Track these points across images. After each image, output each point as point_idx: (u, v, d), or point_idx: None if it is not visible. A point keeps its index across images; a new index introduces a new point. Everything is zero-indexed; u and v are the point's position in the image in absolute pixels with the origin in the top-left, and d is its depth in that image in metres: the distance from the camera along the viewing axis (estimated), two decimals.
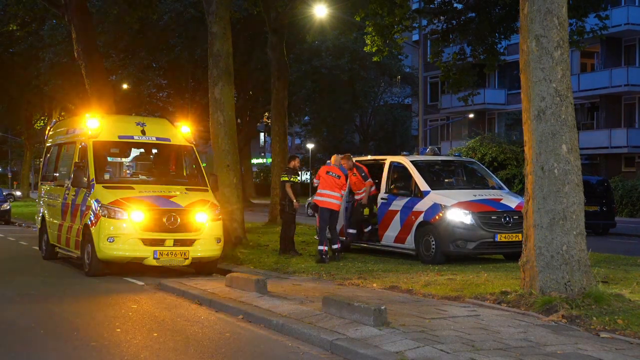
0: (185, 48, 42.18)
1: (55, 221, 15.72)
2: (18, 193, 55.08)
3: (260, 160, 78.09)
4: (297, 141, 73.52)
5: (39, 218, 17.21)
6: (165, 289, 11.89)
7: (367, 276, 12.32)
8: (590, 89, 42.98)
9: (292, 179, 15.94)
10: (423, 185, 14.92)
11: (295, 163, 16.41)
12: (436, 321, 8.26)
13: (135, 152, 15.89)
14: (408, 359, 6.86)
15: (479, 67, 28.48)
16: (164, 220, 13.22)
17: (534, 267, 9.07)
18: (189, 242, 13.41)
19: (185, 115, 43.00)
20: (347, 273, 12.83)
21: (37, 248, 17.48)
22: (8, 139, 69.30)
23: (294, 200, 15.84)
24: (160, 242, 13.20)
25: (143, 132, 14.93)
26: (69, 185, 14.81)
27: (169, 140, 15.23)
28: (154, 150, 15.84)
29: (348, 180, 15.57)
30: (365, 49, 24.46)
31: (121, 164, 15.85)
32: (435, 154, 17.48)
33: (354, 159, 16.86)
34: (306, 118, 61.68)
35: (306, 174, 63.55)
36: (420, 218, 14.60)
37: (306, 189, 51.92)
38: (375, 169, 16.57)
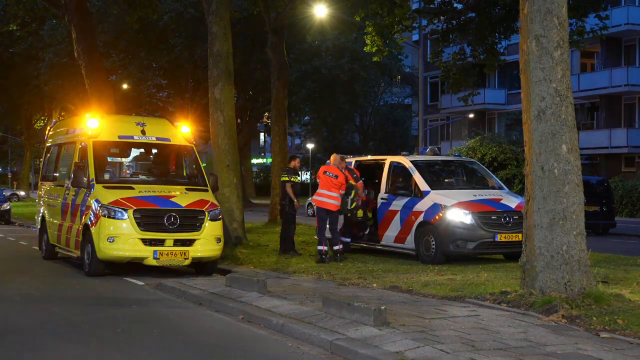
0: (185, 48, 42.17)
1: (55, 221, 15.72)
2: (22, 193, 55.02)
3: (260, 160, 78.10)
4: (297, 141, 73.53)
5: (39, 218, 17.20)
6: (165, 289, 11.89)
7: (367, 276, 12.32)
8: (590, 89, 42.98)
9: (292, 179, 15.96)
10: (423, 185, 14.92)
11: (295, 163, 16.42)
12: (436, 321, 8.26)
13: (135, 152, 15.88)
14: (408, 359, 6.86)
15: (479, 67, 28.46)
16: (164, 220, 13.22)
17: (534, 267, 9.07)
18: (189, 242, 13.41)
19: (185, 115, 43.01)
20: (347, 273, 12.83)
21: (37, 248, 17.48)
22: (8, 139, 69.31)
23: (295, 200, 15.85)
24: (160, 242, 13.20)
25: (143, 132, 14.93)
26: (69, 185, 14.81)
27: (169, 140, 15.23)
28: (154, 150, 15.83)
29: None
30: (365, 49, 24.46)
31: (121, 164, 15.84)
32: (435, 154, 17.48)
33: (354, 159, 16.89)
34: (306, 118, 61.68)
35: (306, 174, 63.56)
36: (420, 218, 14.60)
37: (306, 189, 51.94)
38: (375, 169, 16.57)
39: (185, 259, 13.37)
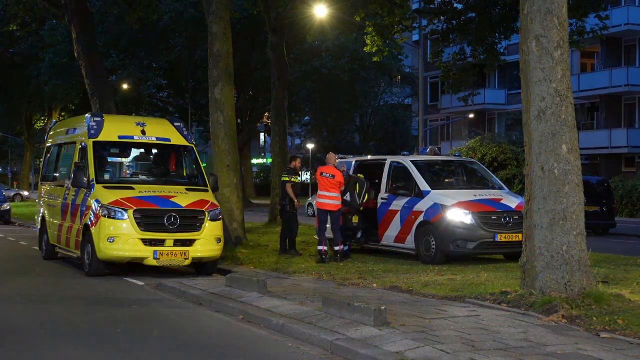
0: (185, 48, 42.21)
1: (55, 221, 15.72)
2: (25, 193, 54.94)
3: (260, 160, 78.07)
4: (297, 141, 73.51)
5: (39, 218, 17.20)
6: (165, 289, 11.89)
7: (367, 276, 12.32)
8: (590, 89, 42.96)
9: (292, 179, 15.98)
10: (423, 185, 14.93)
11: (296, 163, 16.43)
12: (436, 321, 8.26)
13: (135, 152, 15.88)
14: (408, 359, 6.86)
15: (479, 67, 28.47)
16: (164, 220, 13.22)
17: (534, 267, 9.07)
18: (189, 242, 13.40)
19: (185, 115, 43.02)
20: (347, 273, 12.83)
21: (37, 248, 17.48)
22: (8, 139, 69.34)
23: (295, 200, 15.86)
24: (160, 242, 13.19)
25: (143, 132, 14.93)
26: (69, 185, 14.80)
27: (169, 140, 15.23)
28: (154, 150, 15.83)
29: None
30: (365, 49, 24.46)
31: (121, 164, 15.85)
32: (435, 154, 17.48)
33: (354, 159, 16.87)
34: (306, 118, 61.69)
35: (306, 174, 63.56)
36: (421, 218, 14.60)
37: (306, 189, 51.92)
38: (375, 169, 16.57)
39: (185, 259, 13.37)
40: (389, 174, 15.90)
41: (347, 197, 14.98)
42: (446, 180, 16.33)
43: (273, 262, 14.68)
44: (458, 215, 14.15)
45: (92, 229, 13.35)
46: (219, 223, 13.92)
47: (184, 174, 15.54)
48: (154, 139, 15.09)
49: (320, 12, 27.68)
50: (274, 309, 9.35)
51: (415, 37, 46.32)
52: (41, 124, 58.15)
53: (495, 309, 9.01)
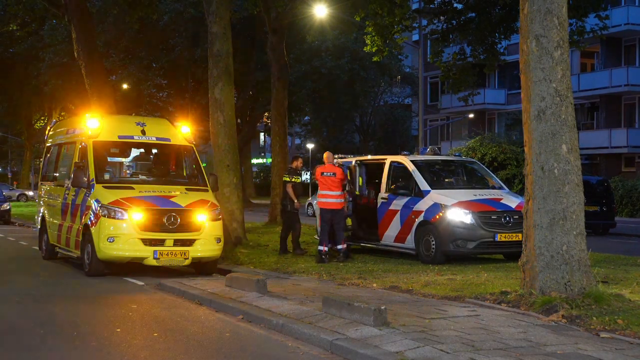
0: (185, 48, 42.17)
1: (55, 221, 15.72)
2: (30, 193, 54.85)
3: (260, 160, 78.08)
4: (297, 141, 73.53)
5: (39, 218, 17.21)
6: (165, 289, 11.89)
7: (367, 276, 12.32)
8: (590, 89, 42.98)
9: (293, 179, 15.99)
10: (423, 184, 14.93)
11: (297, 163, 16.42)
12: (436, 321, 8.26)
13: (135, 152, 15.88)
14: (408, 359, 6.86)
15: (479, 67, 28.47)
16: (164, 220, 13.22)
17: (534, 267, 9.07)
18: (189, 242, 13.41)
19: (185, 115, 42.98)
20: (347, 273, 12.83)
21: (37, 248, 17.48)
22: (8, 139, 69.34)
23: (295, 201, 15.85)
24: (160, 242, 13.20)
25: (143, 132, 14.93)
26: (69, 185, 14.80)
27: (169, 140, 15.23)
28: (154, 150, 15.83)
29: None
30: (365, 49, 24.46)
31: (121, 164, 15.84)
32: (435, 154, 17.48)
33: (354, 159, 16.85)
34: (306, 118, 61.66)
35: (306, 174, 63.56)
36: (421, 217, 14.60)
37: (306, 189, 51.90)
38: (375, 169, 16.58)
39: (185, 259, 13.37)
40: (389, 174, 15.90)
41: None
42: (446, 180, 16.33)
43: (273, 262, 14.68)
44: (458, 215, 14.15)
45: (92, 229, 13.35)
46: (219, 223, 13.92)
47: (184, 174, 15.54)
48: (154, 139, 15.09)
49: (320, 12, 27.70)
50: (274, 309, 9.35)
51: (415, 37, 46.29)
52: (41, 124, 58.15)
53: (495, 309, 9.01)
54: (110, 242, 13.10)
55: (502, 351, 6.97)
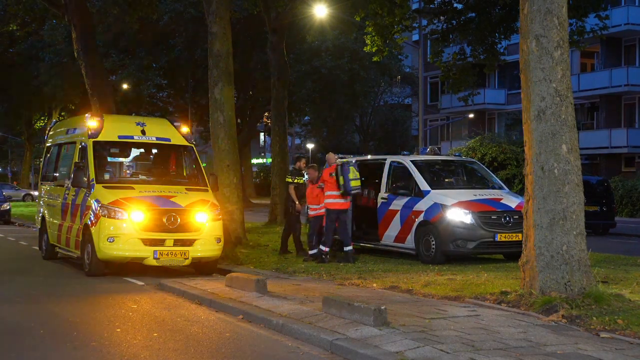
0: (185, 48, 42.18)
1: (55, 221, 15.72)
2: (36, 193, 54.74)
3: (260, 160, 78.05)
4: (297, 141, 73.51)
5: (39, 218, 17.21)
6: (165, 289, 11.89)
7: (367, 276, 12.32)
8: (590, 89, 42.97)
9: (296, 180, 15.97)
10: (423, 184, 14.93)
11: (301, 164, 16.39)
12: (436, 321, 8.26)
13: (135, 152, 15.89)
14: (408, 359, 6.86)
15: (479, 67, 28.48)
16: (164, 220, 13.22)
17: (534, 267, 9.07)
18: (189, 242, 13.41)
19: (185, 115, 43.00)
20: (347, 273, 12.83)
21: (37, 248, 17.48)
22: (8, 139, 69.33)
23: (297, 202, 15.83)
24: (160, 242, 13.20)
25: (143, 132, 14.93)
26: (69, 185, 14.81)
27: (169, 140, 15.23)
28: (154, 150, 15.84)
29: (313, 192, 15.13)
30: (365, 49, 24.46)
31: (121, 164, 15.85)
32: (435, 154, 17.47)
33: (355, 159, 16.83)
34: (306, 118, 61.64)
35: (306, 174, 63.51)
36: (421, 217, 14.60)
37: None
38: (375, 169, 16.57)
39: (185, 259, 13.37)
40: (389, 174, 15.90)
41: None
42: (446, 180, 16.34)
43: (273, 262, 14.68)
44: (458, 215, 14.15)
45: (92, 229, 13.35)
46: (219, 223, 13.92)
47: (184, 174, 15.54)
48: (154, 139, 15.09)
49: (320, 12, 27.69)
50: (274, 309, 9.35)
51: (415, 37, 46.31)
52: (41, 124, 58.13)
53: (495, 309, 9.01)
54: (110, 242, 13.10)
55: (502, 351, 6.97)
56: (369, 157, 18.15)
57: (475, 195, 14.83)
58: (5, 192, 37.29)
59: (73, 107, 48.08)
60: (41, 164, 19.51)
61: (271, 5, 26.14)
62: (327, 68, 50.07)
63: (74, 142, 15.43)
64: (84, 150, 14.59)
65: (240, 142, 36.55)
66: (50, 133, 18.03)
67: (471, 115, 50.18)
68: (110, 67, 38.16)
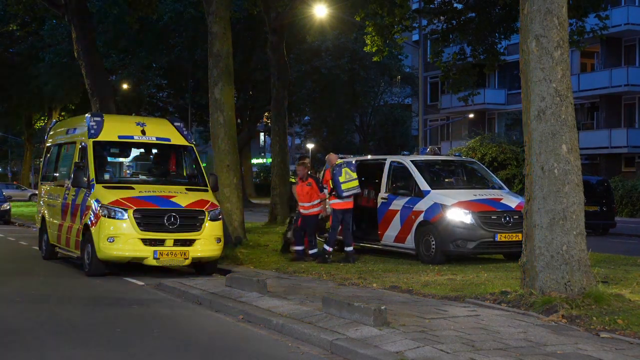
0: (185, 48, 42.19)
1: (55, 221, 15.72)
2: None
3: (260, 160, 78.06)
4: (297, 141, 73.49)
5: (39, 218, 17.21)
6: (165, 289, 11.89)
7: (367, 276, 12.32)
8: (590, 89, 42.97)
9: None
10: (423, 184, 14.93)
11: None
12: (436, 321, 8.26)
13: (135, 152, 15.89)
14: (408, 359, 6.86)
15: (479, 67, 28.48)
16: (164, 220, 13.22)
17: (534, 267, 9.07)
18: (189, 242, 13.40)
19: (185, 116, 42.98)
20: (347, 273, 12.83)
21: (37, 248, 17.48)
22: (8, 139, 69.34)
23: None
24: (160, 242, 13.19)
25: (143, 132, 14.93)
26: (69, 185, 14.80)
27: (169, 140, 15.23)
28: (154, 150, 15.83)
29: (303, 190, 15.07)
30: (365, 49, 24.47)
31: (121, 164, 15.84)
32: (435, 154, 17.47)
33: (355, 159, 16.83)
34: (306, 118, 61.66)
35: None
36: (421, 217, 14.60)
37: None
38: (375, 169, 16.57)
39: (185, 259, 13.37)
40: (389, 174, 15.90)
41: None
42: (446, 180, 16.33)
43: (273, 262, 14.68)
44: (458, 215, 14.15)
45: (92, 229, 13.35)
46: (219, 223, 13.92)
47: (184, 174, 15.53)
48: (154, 139, 15.08)
49: (320, 12, 27.68)
50: (274, 309, 9.35)
51: (415, 37, 46.26)
52: (41, 124, 58.12)
53: (495, 309, 9.01)
54: (110, 242, 13.09)
55: (502, 351, 6.98)
56: (369, 157, 18.14)
57: (475, 195, 14.83)
58: (11, 192, 37.22)
59: (73, 107, 48.10)
60: (41, 164, 19.50)
61: (271, 6, 26.13)
62: (327, 68, 50.10)
63: (74, 142, 15.42)
64: (84, 150, 14.58)
65: (240, 142, 36.57)
66: (50, 133, 18.02)
67: (471, 115, 50.18)
68: (110, 67, 38.18)
